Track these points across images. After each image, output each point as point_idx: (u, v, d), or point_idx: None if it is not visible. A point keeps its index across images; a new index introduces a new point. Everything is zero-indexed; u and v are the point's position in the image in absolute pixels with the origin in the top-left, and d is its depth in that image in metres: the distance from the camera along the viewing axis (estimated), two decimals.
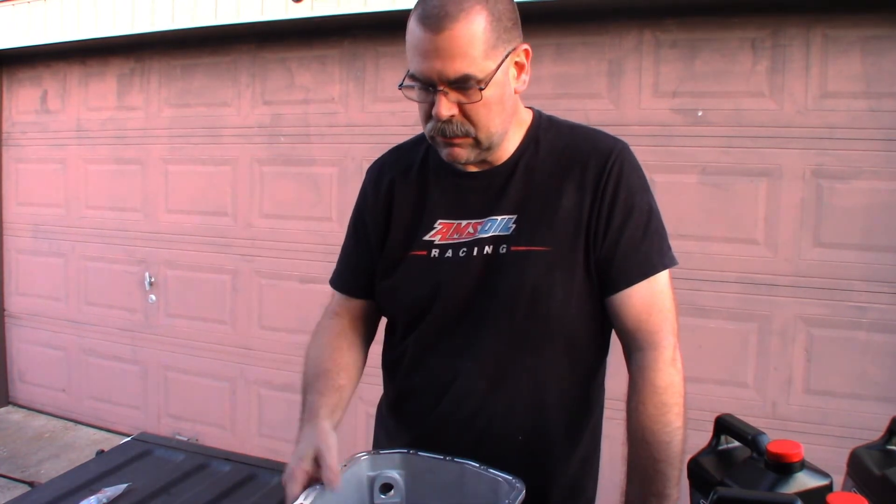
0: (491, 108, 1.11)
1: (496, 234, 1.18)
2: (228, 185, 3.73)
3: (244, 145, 3.67)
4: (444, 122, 1.10)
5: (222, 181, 3.74)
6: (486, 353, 1.20)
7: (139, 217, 4.01)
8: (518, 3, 1.16)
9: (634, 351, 1.17)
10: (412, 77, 1.11)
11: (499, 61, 1.09)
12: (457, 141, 1.13)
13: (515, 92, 1.17)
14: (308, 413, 1.17)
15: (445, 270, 1.20)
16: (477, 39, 1.06)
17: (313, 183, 3.51)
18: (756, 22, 2.67)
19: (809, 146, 2.62)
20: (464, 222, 1.21)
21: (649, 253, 1.17)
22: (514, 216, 1.18)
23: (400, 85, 1.14)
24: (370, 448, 1.23)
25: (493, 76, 1.09)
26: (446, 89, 1.08)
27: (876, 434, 1.03)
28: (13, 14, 3.99)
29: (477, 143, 1.14)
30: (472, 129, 1.12)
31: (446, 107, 1.09)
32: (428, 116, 1.13)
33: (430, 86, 1.09)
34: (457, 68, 1.06)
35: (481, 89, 1.08)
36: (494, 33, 1.08)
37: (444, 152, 1.16)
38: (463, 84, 1.08)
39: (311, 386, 1.22)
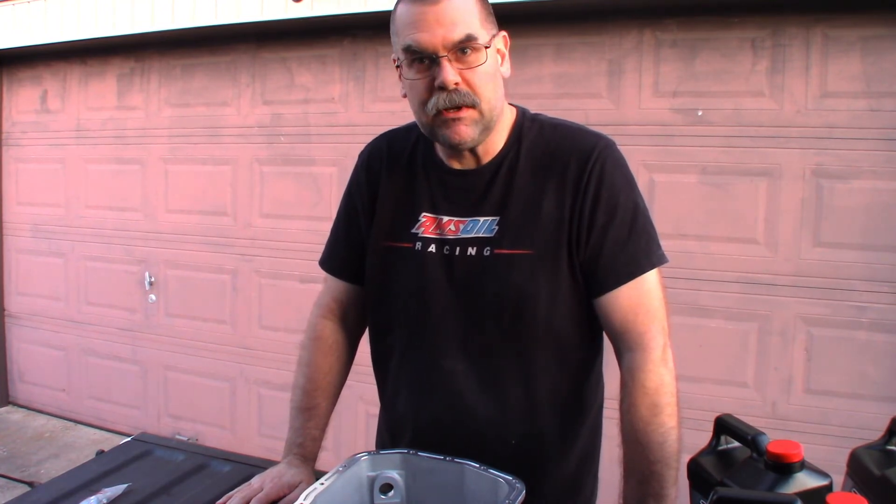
0: (490, 77, 1.13)
1: (480, 235, 1.18)
2: (228, 184, 3.73)
3: (244, 145, 3.67)
4: (452, 91, 1.10)
5: (222, 181, 3.74)
6: (474, 355, 1.20)
7: (139, 217, 4.01)
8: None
9: (624, 352, 1.17)
10: (408, 50, 1.11)
11: (490, 34, 1.13)
12: (462, 114, 1.11)
13: (502, 77, 1.19)
14: (285, 447, 1.28)
15: (431, 267, 1.20)
16: (472, 8, 1.11)
17: (313, 183, 3.51)
18: (756, 22, 2.67)
19: (809, 146, 2.62)
20: (445, 218, 1.21)
21: (635, 253, 1.16)
22: (498, 218, 1.18)
23: (397, 64, 1.15)
24: (370, 448, 1.23)
25: (491, 42, 1.12)
26: (450, 56, 1.09)
27: (876, 434, 1.03)
28: (13, 14, 3.99)
29: (481, 116, 1.13)
30: (476, 99, 1.12)
31: (452, 73, 1.09)
32: (426, 94, 1.12)
33: (432, 57, 1.09)
34: (460, 30, 1.08)
35: (487, 47, 1.11)
36: (484, 10, 1.13)
37: (448, 133, 1.13)
38: (465, 46, 1.09)
39: (293, 421, 1.30)
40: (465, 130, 1.13)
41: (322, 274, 1.39)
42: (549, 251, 1.16)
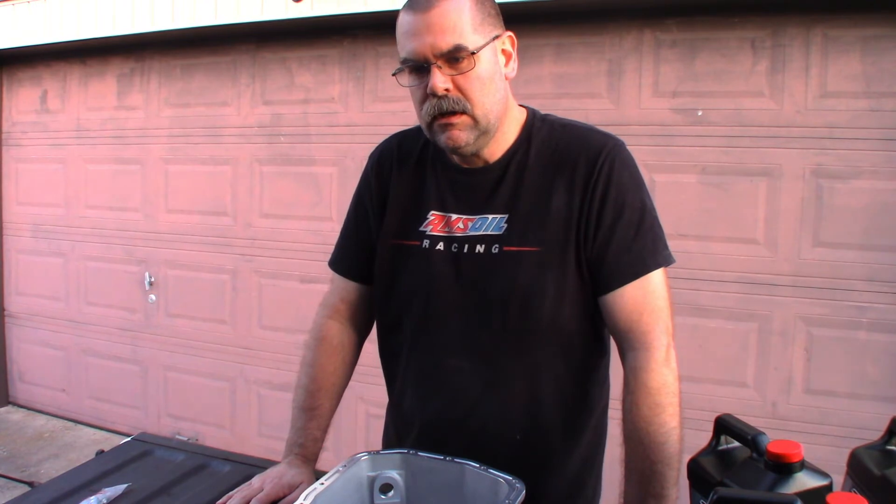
0: (484, 83, 1.13)
1: (489, 233, 1.19)
2: (228, 184, 3.73)
3: (244, 145, 3.67)
4: (441, 97, 1.11)
5: (222, 181, 3.74)
6: (480, 352, 1.20)
7: (139, 217, 4.01)
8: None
9: (627, 351, 1.17)
10: (404, 62, 1.14)
11: (487, 39, 1.13)
12: (454, 120, 1.13)
13: (506, 78, 1.19)
14: (286, 447, 1.28)
15: (438, 264, 1.21)
16: (465, 15, 1.11)
17: (313, 183, 3.51)
18: (756, 22, 2.67)
19: (809, 146, 2.62)
20: (454, 216, 1.22)
21: (641, 252, 1.16)
22: (506, 216, 1.19)
23: (394, 72, 1.17)
24: (370, 448, 1.23)
25: (483, 48, 1.12)
26: (440, 63, 1.10)
27: (876, 434, 1.03)
28: (13, 14, 3.99)
29: (475, 122, 1.14)
30: (468, 105, 1.13)
31: (441, 79, 1.11)
32: (423, 100, 1.14)
33: (423, 65, 1.11)
34: (448, 39, 1.09)
35: (473, 53, 1.11)
36: (480, 14, 1.13)
37: (442, 138, 1.15)
38: (455, 55, 1.10)
39: (295, 420, 1.30)
40: (459, 135, 1.14)
41: (327, 275, 1.39)
42: (557, 249, 1.16)
